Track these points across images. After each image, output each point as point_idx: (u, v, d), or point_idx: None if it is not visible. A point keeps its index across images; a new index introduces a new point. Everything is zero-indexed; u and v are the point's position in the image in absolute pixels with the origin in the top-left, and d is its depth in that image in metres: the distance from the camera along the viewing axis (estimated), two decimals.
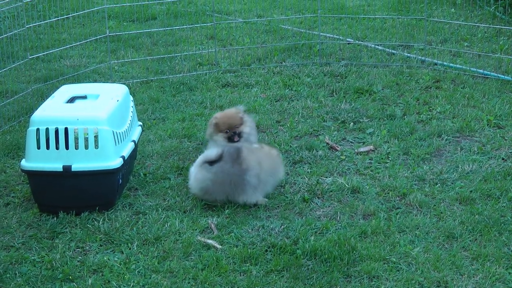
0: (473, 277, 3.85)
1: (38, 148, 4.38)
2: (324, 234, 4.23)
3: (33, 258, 4.10)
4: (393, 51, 7.56)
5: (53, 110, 4.53)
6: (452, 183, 4.84)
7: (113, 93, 4.79)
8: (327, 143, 5.51)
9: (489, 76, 6.66)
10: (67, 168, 4.38)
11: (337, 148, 5.44)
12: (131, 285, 3.83)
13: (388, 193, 4.73)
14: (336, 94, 6.50)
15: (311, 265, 3.95)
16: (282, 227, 4.31)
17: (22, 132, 5.55)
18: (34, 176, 4.44)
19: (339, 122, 5.91)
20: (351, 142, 5.59)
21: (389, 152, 5.34)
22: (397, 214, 4.48)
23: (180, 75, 7.06)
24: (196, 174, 4.45)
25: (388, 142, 5.50)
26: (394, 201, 4.64)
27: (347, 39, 7.92)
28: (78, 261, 4.06)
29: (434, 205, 4.56)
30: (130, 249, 4.15)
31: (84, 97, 4.72)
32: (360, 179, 4.94)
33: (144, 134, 5.56)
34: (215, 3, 9.25)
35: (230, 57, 7.48)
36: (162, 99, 6.45)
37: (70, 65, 7.47)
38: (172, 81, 6.92)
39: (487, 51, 7.24)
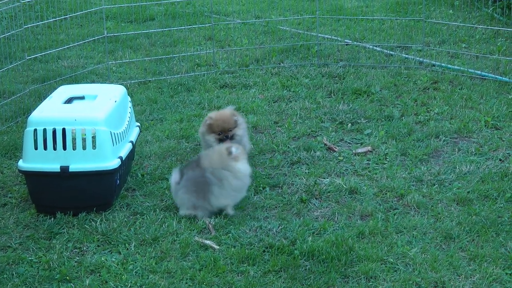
0: (470, 277, 3.85)
1: (36, 148, 4.37)
2: (322, 235, 4.23)
3: (30, 258, 4.09)
4: (391, 52, 7.57)
5: (51, 110, 4.52)
6: (450, 184, 4.84)
7: (111, 93, 4.78)
8: (325, 144, 5.51)
9: (487, 78, 6.66)
10: (64, 169, 4.37)
11: (335, 149, 5.43)
12: (129, 285, 3.83)
13: (386, 194, 4.73)
14: (334, 95, 6.50)
15: (309, 265, 3.94)
16: (280, 227, 4.31)
17: (20, 132, 5.54)
18: (32, 177, 4.44)
19: (337, 123, 5.91)
20: (349, 143, 5.58)
21: (387, 153, 5.34)
22: (394, 214, 4.47)
23: (178, 76, 7.05)
24: (175, 199, 4.53)
25: (386, 143, 5.50)
26: (392, 202, 4.64)
27: (345, 40, 7.93)
28: (75, 262, 4.05)
29: (432, 206, 4.56)
30: (127, 249, 4.14)
31: (82, 98, 4.72)
32: (358, 180, 4.93)
33: (142, 135, 5.55)
34: (213, 4, 9.24)
35: (228, 58, 7.47)
36: (160, 100, 6.44)
37: (68, 65, 7.47)
38: (170, 82, 6.91)
39: (485, 52, 7.24)
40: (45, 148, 4.37)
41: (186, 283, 3.84)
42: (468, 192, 4.70)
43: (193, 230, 4.32)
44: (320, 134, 5.70)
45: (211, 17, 7.88)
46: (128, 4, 8.65)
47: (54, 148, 4.36)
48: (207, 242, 4.19)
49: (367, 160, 5.25)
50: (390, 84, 6.67)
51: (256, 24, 8.35)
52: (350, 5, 9.17)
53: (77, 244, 4.23)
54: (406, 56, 7.44)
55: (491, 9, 8.47)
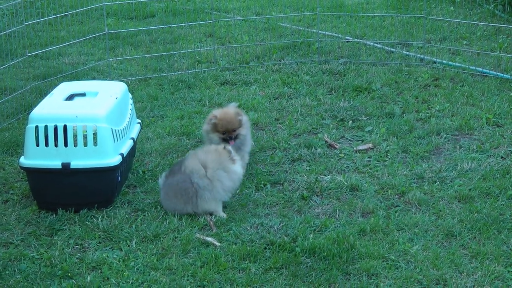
0: (472, 275, 3.83)
1: (37, 145, 4.37)
2: (323, 232, 4.22)
3: (32, 255, 4.09)
4: (392, 49, 7.54)
5: (52, 107, 4.51)
6: (451, 181, 4.83)
7: (112, 90, 4.77)
8: (326, 141, 5.49)
9: (488, 75, 6.64)
10: (66, 166, 4.36)
11: (335, 146, 5.42)
12: (130, 282, 3.81)
13: (387, 191, 4.72)
14: (335, 92, 6.48)
15: (310, 262, 3.93)
16: (281, 224, 4.30)
17: (21, 129, 5.54)
18: (33, 173, 4.44)
19: (337, 120, 5.89)
20: (350, 140, 5.57)
21: (388, 150, 5.33)
22: (396, 212, 4.46)
23: (179, 72, 7.03)
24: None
25: (387, 140, 5.49)
26: (393, 199, 4.63)
27: (346, 37, 7.90)
28: (77, 258, 4.05)
29: (433, 203, 4.55)
30: (129, 246, 4.14)
31: (83, 95, 4.71)
32: (359, 177, 4.92)
33: (143, 132, 5.53)
34: (214, 1, 9.19)
35: (229, 55, 7.45)
36: (161, 97, 6.43)
37: (69, 62, 7.45)
38: (170, 79, 6.89)
39: (486, 49, 7.22)
40: (47, 144, 4.36)
41: (188, 280, 3.83)
42: (470, 189, 4.68)
43: (195, 227, 4.31)
44: (321, 131, 5.69)
45: (212, 14, 7.83)
46: (129, 1, 8.58)
47: (56, 145, 4.36)
48: (208, 239, 4.18)
49: (368, 157, 5.24)
50: (391, 81, 6.65)
51: (256, 21, 8.34)
52: (351, 2, 9.13)
53: (78, 240, 4.23)
54: (407, 53, 7.42)
55: (492, 6, 8.43)
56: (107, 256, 4.03)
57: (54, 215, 4.47)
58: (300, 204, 4.59)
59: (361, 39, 7.83)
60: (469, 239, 4.16)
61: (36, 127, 4.37)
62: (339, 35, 7.95)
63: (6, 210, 4.56)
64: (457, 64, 7.06)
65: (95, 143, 4.36)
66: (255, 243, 4.12)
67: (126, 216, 4.45)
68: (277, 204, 4.61)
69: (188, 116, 6.01)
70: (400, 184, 4.79)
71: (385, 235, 4.19)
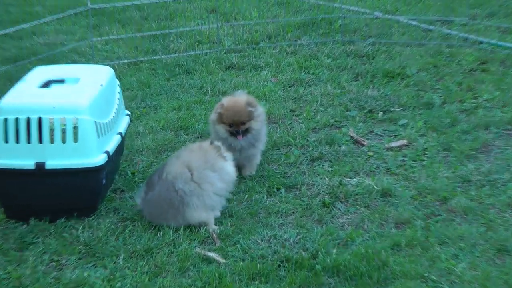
0: None
1: (6, 141, 4.36)
2: (349, 246, 4.21)
3: None
4: (430, 27, 7.55)
5: (25, 96, 4.52)
6: (503, 185, 4.83)
7: (96, 76, 4.79)
8: (352, 137, 5.52)
9: None
10: (40, 166, 4.36)
11: (363, 142, 5.44)
12: None
13: (426, 197, 4.73)
14: (361, 78, 6.49)
15: (333, 283, 3.91)
16: (298, 237, 4.30)
17: None
18: (1, 175, 4.42)
19: (365, 111, 5.92)
20: (380, 135, 5.59)
21: (426, 148, 5.34)
22: (436, 222, 4.46)
23: (175, 55, 7.21)
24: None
25: (425, 135, 5.52)
26: (433, 207, 4.63)
27: (375, 12, 7.92)
28: (52, 278, 4.02)
29: (482, 212, 4.54)
30: (115, 263, 4.12)
31: (62, 81, 4.73)
32: (392, 179, 4.94)
33: (133, 125, 5.55)
34: None
35: (235, 34, 7.64)
36: (154, 84, 6.45)
37: (45, 43, 7.48)
38: (165, 63, 6.94)
39: None
40: (17, 141, 4.36)
41: None
42: None
43: (194, 239, 4.30)
44: (346, 125, 5.71)
45: None
46: None
47: (28, 141, 4.35)
48: (211, 254, 4.16)
49: (403, 156, 5.25)
50: (429, 65, 6.72)
51: None
52: None
53: (54, 256, 4.21)
54: (448, 31, 7.44)
55: None
56: (89, 275, 3.99)
57: (25, 226, 4.47)
58: (321, 212, 4.59)
59: (392, 15, 7.84)
60: None
61: (5, 119, 4.34)
62: (366, 10, 7.97)
63: None
64: (508, 44, 7.03)
65: (75, 139, 4.35)
66: (267, 260, 4.10)
67: (112, 226, 4.45)
68: (293, 212, 4.61)
69: (186, 107, 6.00)
70: (441, 188, 4.79)
71: (424, 250, 4.16)
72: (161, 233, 4.36)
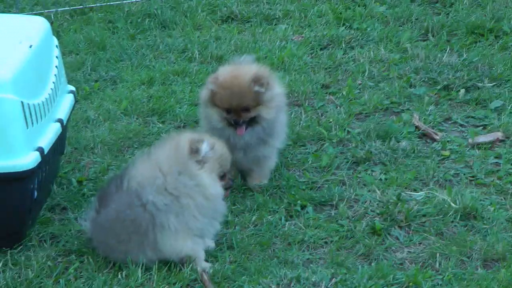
0: None
1: None
2: None
3: None
4: None
5: None
6: None
7: (22, 32, 4.52)
8: (417, 127, 5.28)
9: None
10: None
11: (435, 136, 5.19)
12: None
13: None
14: (433, 36, 6.31)
15: None
16: (334, 280, 4.00)
17: None
18: None
19: (438, 87, 5.68)
20: (461, 124, 5.38)
21: None
22: None
23: None
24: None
25: None
26: None
27: None
28: None
29: None
30: None
31: None
32: (479, 193, 4.67)
33: (79, 108, 5.42)
34: None
35: None
36: (111, 44, 6.28)
37: None
38: (129, 11, 6.76)
39: None
40: None
41: None
42: None
43: (174, 283, 3.99)
44: (408, 109, 5.50)
45: None
46: None
47: None
48: None
49: (496, 158, 5.00)
50: None
51: None
52: None
53: None
54: None
55: None
56: None
57: None
58: (369, 242, 4.27)
59: None
60: None
61: None
62: None
63: None
64: None
65: None
66: None
67: (49, 263, 4.13)
68: (326, 242, 4.33)
69: (161, 80, 5.83)
70: None
71: None
72: (123, 273, 4.04)
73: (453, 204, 4.50)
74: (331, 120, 5.34)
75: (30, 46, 4.37)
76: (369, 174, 4.87)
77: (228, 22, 6.62)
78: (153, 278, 3.97)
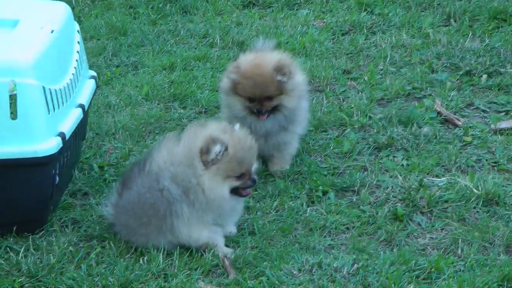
0: None
1: None
2: (433, 281, 3.93)
3: None
4: None
5: None
6: None
7: (44, 17, 4.53)
8: (439, 113, 5.34)
9: None
10: None
11: (457, 121, 5.25)
12: None
13: None
14: (455, 21, 6.37)
15: None
16: (356, 266, 4.01)
17: None
18: None
19: (461, 73, 5.73)
20: (483, 110, 5.40)
21: None
22: None
23: None
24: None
25: None
26: None
27: None
28: None
29: None
30: None
31: None
32: (501, 179, 4.68)
33: (100, 94, 5.47)
34: None
35: None
36: (133, 30, 6.36)
37: None
38: None
39: None
40: None
41: None
42: None
43: (196, 269, 4.01)
44: (430, 94, 5.54)
45: None
46: None
47: None
48: None
49: None
50: None
51: None
52: None
53: None
54: None
55: None
56: None
57: None
58: (391, 228, 4.29)
59: None
60: None
61: None
62: None
63: None
64: None
65: (13, 115, 4.10)
66: None
67: (70, 248, 4.16)
68: (347, 228, 4.37)
69: (182, 66, 5.86)
70: None
71: None
72: (145, 258, 4.07)
73: (475, 190, 4.53)
74: (352, 105, 5.38)
75: (52, 31, 4.38)
76: (391, 160, 4.90)
77: (250, 7, 6.68)
78: (175, 263, 4.01)
